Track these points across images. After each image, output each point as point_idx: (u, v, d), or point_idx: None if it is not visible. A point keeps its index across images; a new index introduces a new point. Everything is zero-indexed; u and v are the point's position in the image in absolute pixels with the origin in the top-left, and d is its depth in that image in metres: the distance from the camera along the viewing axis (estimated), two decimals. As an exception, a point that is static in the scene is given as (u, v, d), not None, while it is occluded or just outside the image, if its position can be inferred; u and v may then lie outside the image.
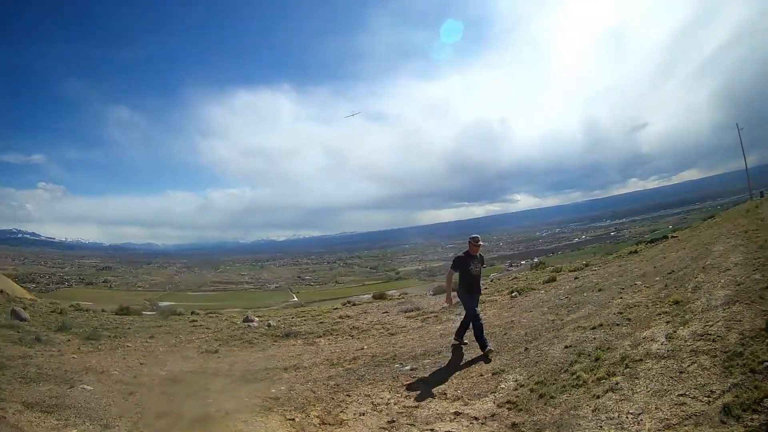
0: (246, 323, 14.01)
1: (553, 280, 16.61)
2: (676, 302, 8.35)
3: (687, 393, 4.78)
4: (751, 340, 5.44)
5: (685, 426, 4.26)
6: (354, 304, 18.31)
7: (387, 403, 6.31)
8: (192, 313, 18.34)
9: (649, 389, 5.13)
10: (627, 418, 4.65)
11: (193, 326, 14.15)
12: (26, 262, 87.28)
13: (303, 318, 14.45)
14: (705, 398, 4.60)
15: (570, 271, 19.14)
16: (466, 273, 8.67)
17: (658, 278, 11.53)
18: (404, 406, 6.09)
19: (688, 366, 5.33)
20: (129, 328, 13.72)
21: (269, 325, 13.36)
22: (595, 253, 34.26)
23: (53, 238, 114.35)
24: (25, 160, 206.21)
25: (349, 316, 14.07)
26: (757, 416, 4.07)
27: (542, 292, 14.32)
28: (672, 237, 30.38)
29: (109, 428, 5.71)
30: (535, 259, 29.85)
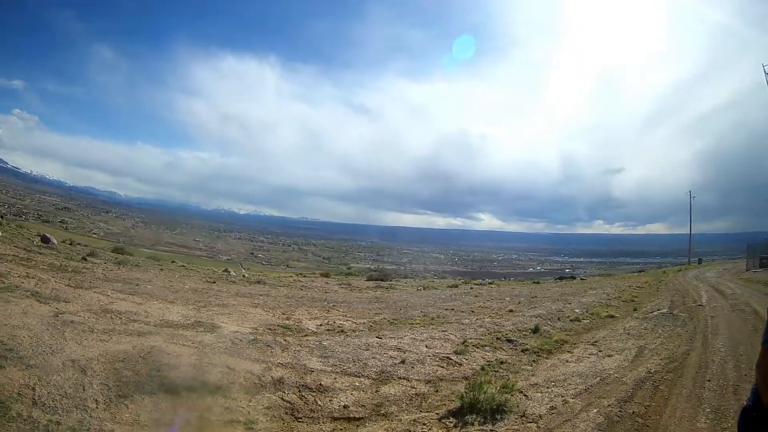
0: (225, 272, 19.49)
1: (456, 287, 23.02)
2: (510, 311, 14.32)
3: (451, 333, 10.54)
4: (517, 331, 11.00)
5: (438, 340, 9.86)
6: (305, 276, 24.28)
7: (315, 312, 12.04)
8: (172, 261, 23.55)
9: (439, 329, 10.86)
10: (418, 333, 10.29)
11: (185, 269, 19.45)
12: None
13: (267, 277, 20.21)
14: (459, 337, 10.25)
15: (474, 284, 25.74)
16: None
17: (522, 299, 17.72)
18: (323, 314, 11.89)
19: (466, 329, 11.03)
20: (139, 262, 18.92)
21: (244, 276, 18.95)
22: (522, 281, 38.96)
23: (19, 168, 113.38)
24: (5, 84, 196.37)
25: (300, 281, 19.93)
26: (479, 350, 9.70)
27: (439, 291, 20.49)
28: (581, 279, 37.10)
29: (173, 303, 10.99)
30: (487, 280, 34.77)
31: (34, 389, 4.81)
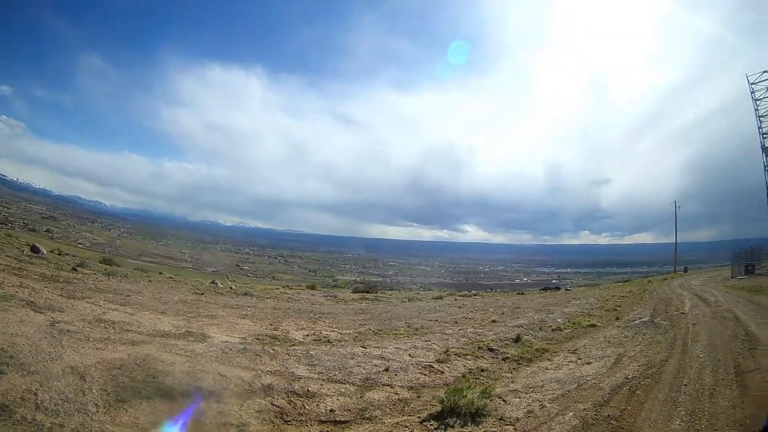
0: (212, 284, 19.65)
1: (441, 298, 23.34)
2: (493, 321, 14.65)
3: (434, 343, 10.88)
4: (499, 341, 11.44)
5: (421, 349, 10.20)
6: (291, 288, 24.46)
7: (302, 323, 12.28)
8: (160, 273, 23.62)
9: (422, 339, 11.20)
10: (402, 343, 10.64)
11: (173, 281, 19.57)
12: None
13: (254, 289, 20.38)
14: (441, 346, 10.60)
15: (459, 296, 26.03)
16: None
17: (505, 309, 18.04)
18: (310, 325, 12.15)
19: (449, 339, 11.42)
20: (128, 273, 18.96)
21: (231, 288, 19.11)
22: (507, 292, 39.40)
23: (5, 176, 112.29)
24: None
25: (287, 293, 20.12)
26: (461, 359, 10.05)
27: (423, 302, 20.78)
28: (566, 290, 37.41)
29: (163, 314, 11.18)
30: (472, 292, 34.97)
31: (36, 394, 5.04)
